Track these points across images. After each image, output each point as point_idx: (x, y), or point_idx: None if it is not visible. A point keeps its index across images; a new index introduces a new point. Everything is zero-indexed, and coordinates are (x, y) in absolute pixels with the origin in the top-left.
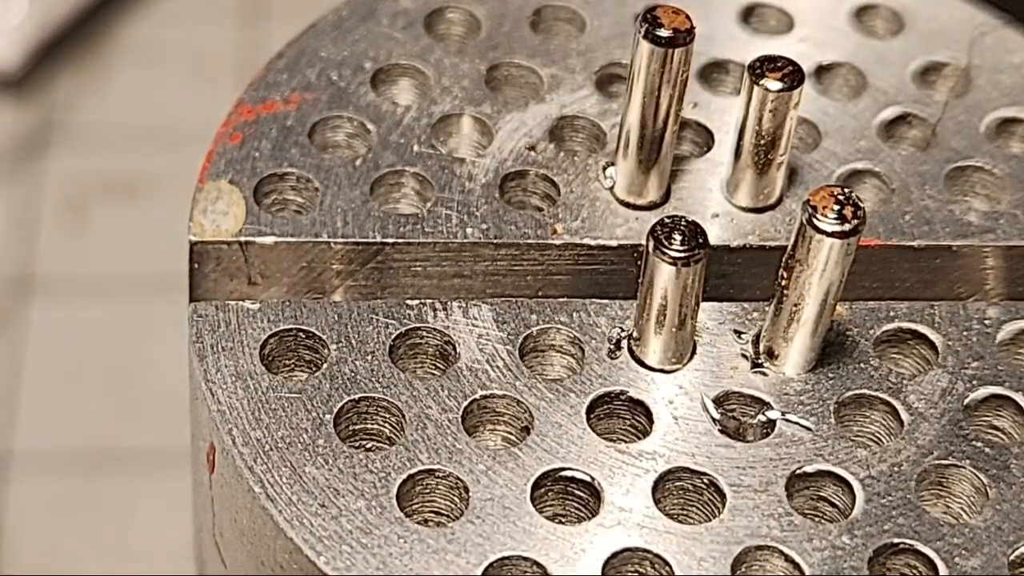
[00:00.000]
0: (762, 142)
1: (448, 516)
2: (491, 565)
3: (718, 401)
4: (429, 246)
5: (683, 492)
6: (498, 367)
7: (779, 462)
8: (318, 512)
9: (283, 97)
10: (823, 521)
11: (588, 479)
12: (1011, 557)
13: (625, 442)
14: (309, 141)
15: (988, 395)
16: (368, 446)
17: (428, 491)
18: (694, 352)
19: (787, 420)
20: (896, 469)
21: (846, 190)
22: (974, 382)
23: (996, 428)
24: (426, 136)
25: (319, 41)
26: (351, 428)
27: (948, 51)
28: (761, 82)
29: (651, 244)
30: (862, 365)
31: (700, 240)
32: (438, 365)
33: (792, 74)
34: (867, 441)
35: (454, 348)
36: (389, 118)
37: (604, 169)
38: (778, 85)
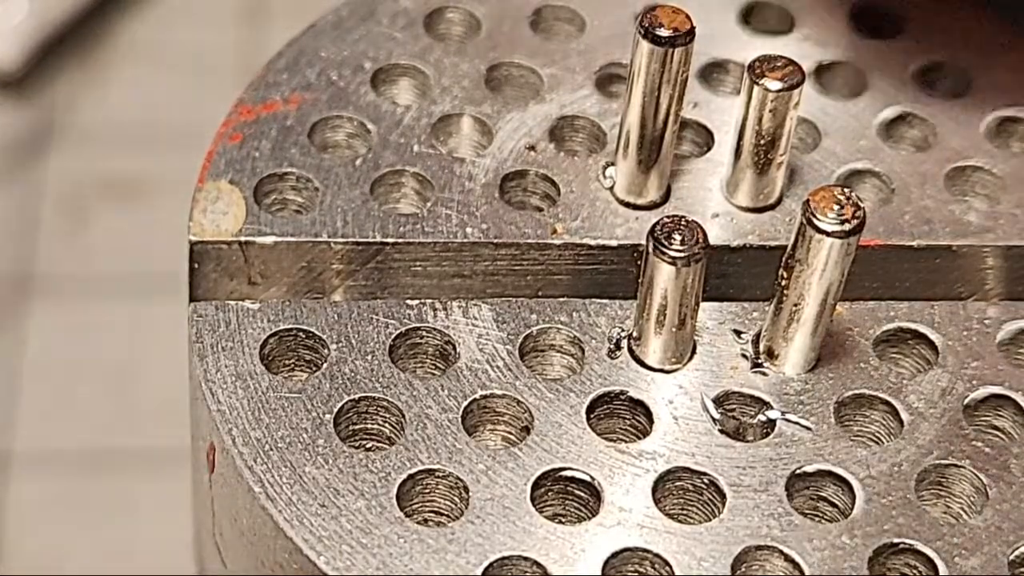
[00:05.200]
0: (762, 142)
1: (448, 516)
2: (491, 565)
3: (718, 401)
4: (429, 246)
5: (683, 492)
6: (498, 367)
7: (779, 462)
8: (318, 512)
9: (283, 97)
10: (823, 521)
11: (588, 479)
12: (1011, 557)
13: (625, 442)
14: (309, 141)
15: (988, 395)
16: (368, 446)
17: (428, 491)
18: (694, 352)
19: (787, 420)
20: (896, 469)
21: (846, 190)
22: (974, 382)
23: (996, 428)
24: (426, 136)
25: (319, 41)
26: (351, 428)
27: (948, 51)
28: (761, 82)
29: (651, 244)
30: (862, 365)
31: (700, 240)
32: (438, 365)
33: (792, 74)
34: (867, 441)
35: (454, 348)
36: (389, 118)
37: (604, 169)
38: (778, 85)
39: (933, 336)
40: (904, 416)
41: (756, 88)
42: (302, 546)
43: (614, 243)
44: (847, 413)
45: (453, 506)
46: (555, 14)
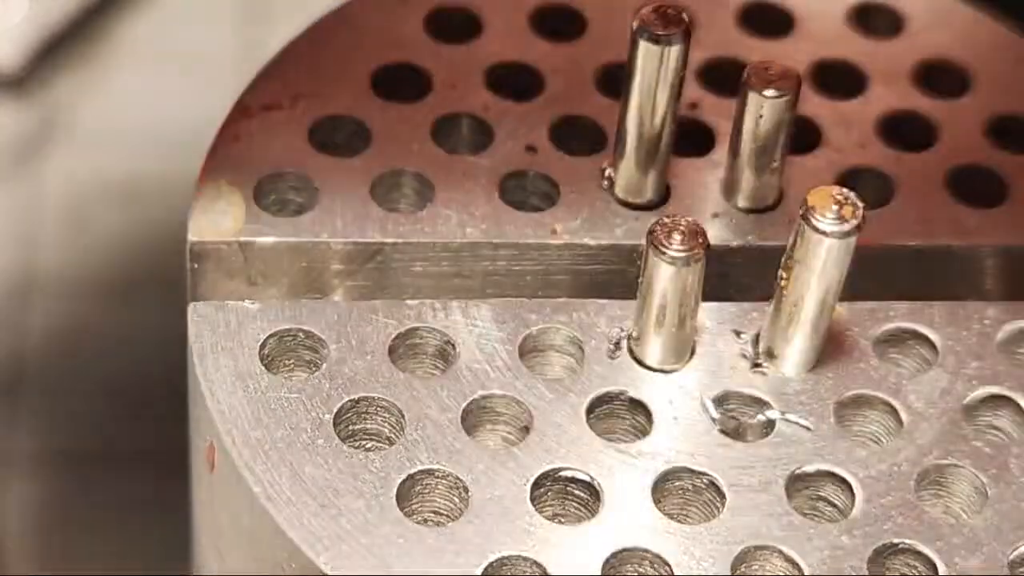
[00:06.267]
0: (758, 146)
1: (448, 516)
2: (491, 565)
3: (718, 401)
4: (429, 246)
5: (683, 492)
6: (497, 367)
7: (778, 462)
8: (317, 512)
9: (283, 97)
10: (823, 521)
11: (587, 479)
12: (1011, 557)
13: (625, 442)
14: (309, 141)
15: (987, 395)
16: (368, 446)
17: (428, 491)
18: (693, 352)
19: (787, 420)
20: (896, 469)
21: (845, 190)
22: (973, 382)
23: (996, 428)
24: (426, 136)
25: (319, 41)
26: (351, 428)
27: (948, 51)
28: (756, 88)
29: (650, 244)
30: (861, 365)
31: (700, 240)
32: (438, 365)
33: (787, 81)
34: (867, 441)
35: (453, 348)
36: (389, 118)
37: (603, 169)
38: (773, 92)
39: (933, 336)
40: (904, 416)
41: (751, 94)
42: (302, 546)
43: (614, 243)
44: (847, 413)
45: (453, 506)
46: (555, 13)
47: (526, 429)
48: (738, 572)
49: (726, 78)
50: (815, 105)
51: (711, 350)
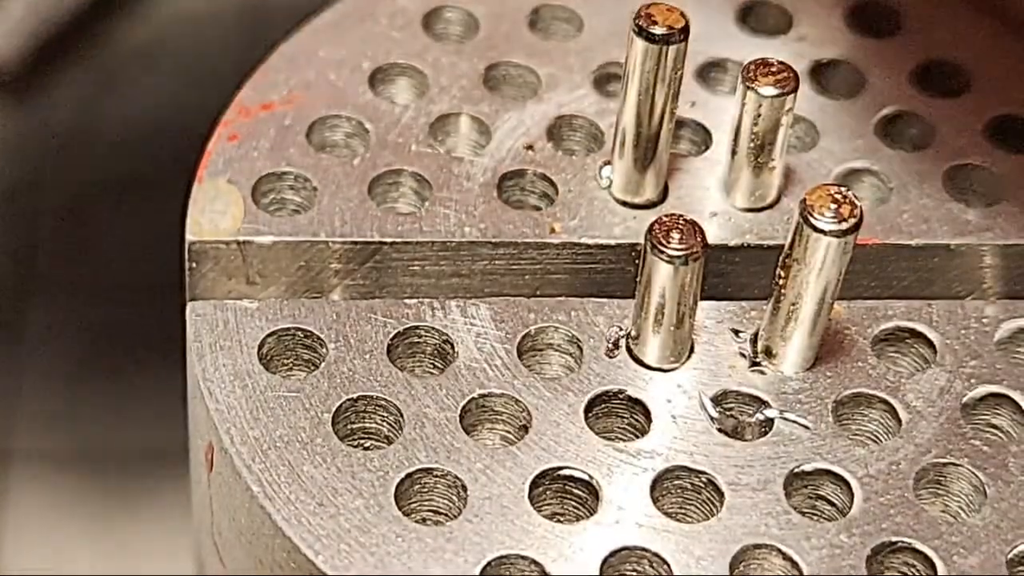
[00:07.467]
0: (756, 145)
1: (446, 515)
2: (489, 564)
3: (716, 400)
4: (427, 245)
5: (681, 491)
6: (496, 366)
7: (777, 461)
8: (316, 511)
9: (281, 97)
10: (821, 520)
11: (586, 478)
12: (1009, 555)
13: (623, 441)
14: (307, 141)
15: (986, 394)
16: (366, 445)
17: (426, 490)
18: (692, 351)
19: (785, 419)
20: (894, 468)
21: (843, 189)
22: (972, 381)
23: (994, 427)
24: (424, 135)
25: (317, 41)
26: (349, 427)
27: (947, 51)
28: (754, 87)
29: (649, 243)
30: (860, 364)
31: (698, 239)
32: (436, 364)
33: (786, 79)
34: (865, 440)
35: (452, 347)
36: (387, 117)
37: (601, 168)
38: (771, 90)
39: (931, 335)
40: (902, 415)
41: (750, 93)
42: (300, 545)
43: (612, 242)
44: (845, 412)
45: (451, 505)
46: (553, 13)
47: (525, 428)
48: (737, 571)
49: (726, 78)
50: (815, 104)
51: (710, 349)
